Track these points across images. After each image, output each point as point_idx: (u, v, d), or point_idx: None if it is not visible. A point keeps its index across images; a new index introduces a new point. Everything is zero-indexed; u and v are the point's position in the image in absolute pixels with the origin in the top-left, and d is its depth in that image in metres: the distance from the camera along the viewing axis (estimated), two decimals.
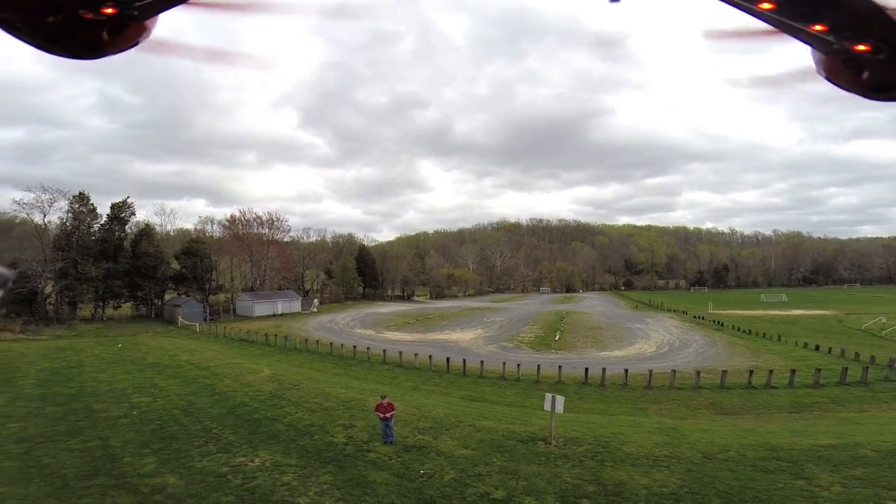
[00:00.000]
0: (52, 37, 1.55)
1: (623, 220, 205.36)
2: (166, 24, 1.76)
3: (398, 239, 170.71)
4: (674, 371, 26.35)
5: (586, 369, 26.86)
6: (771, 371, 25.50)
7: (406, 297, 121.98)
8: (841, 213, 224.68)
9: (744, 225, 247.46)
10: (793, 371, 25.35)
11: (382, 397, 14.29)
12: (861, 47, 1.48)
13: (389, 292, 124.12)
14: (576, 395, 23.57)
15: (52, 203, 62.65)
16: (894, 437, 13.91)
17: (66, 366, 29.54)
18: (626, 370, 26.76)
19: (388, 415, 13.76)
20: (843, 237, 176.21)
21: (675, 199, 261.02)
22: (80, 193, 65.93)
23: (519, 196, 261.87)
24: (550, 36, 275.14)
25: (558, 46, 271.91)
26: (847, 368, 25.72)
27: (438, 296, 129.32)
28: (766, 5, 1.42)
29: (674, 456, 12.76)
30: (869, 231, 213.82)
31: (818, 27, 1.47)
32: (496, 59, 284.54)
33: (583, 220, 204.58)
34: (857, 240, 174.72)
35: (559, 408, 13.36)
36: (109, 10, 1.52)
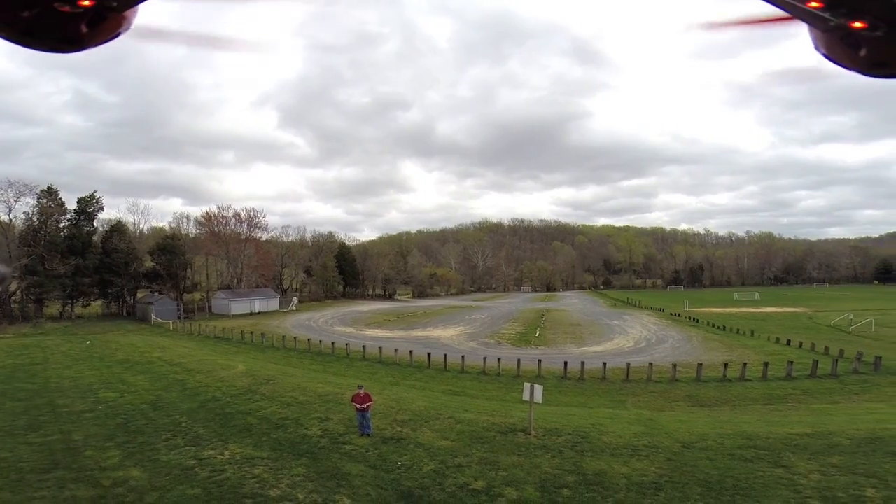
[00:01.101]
0: (29, 31, 1.50)
1: (602, 222, 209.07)
2: (148, 14, 1.68)
3: (380, 238, 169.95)
4: (651, 364, 26.67)
5: (565, 363, 26.97)
6: (745, 364, 26.01)
7: (388, 296, 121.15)
8: (810, 215, 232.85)
9: (718, 226, 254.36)
10: (766, 364, 25.90)
11: (359, 388, 13.96)
12: (857, 24, 1.46)
13: (371, 291, 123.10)
14: (555, 389, 23.60)
15: (18, 198, 60.13)
16: (866, 426, 14.21)
17: (30, 363, 28.26)
18: (605, 364, 26.95)
19: (364, 405, 13.43)
20: (813, 238, 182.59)
21: (651, 200, 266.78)
22: (49, 188, 63.39)
23: (501, 197, 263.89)
24: (531, 40, 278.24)
25: (538, 51, 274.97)
26: (817, 361, 26.42)
27: (421, 295, 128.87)
28: None
29: (653, 445, 12.77)
30: (836, 232, 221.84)
31: (814, 3, 1.44)
32: (478, 62, 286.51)
33: (563, 220, 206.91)
34: (826, 241, 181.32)
35: (538, 397, 13.24)
36: (87, 3, 1.47)
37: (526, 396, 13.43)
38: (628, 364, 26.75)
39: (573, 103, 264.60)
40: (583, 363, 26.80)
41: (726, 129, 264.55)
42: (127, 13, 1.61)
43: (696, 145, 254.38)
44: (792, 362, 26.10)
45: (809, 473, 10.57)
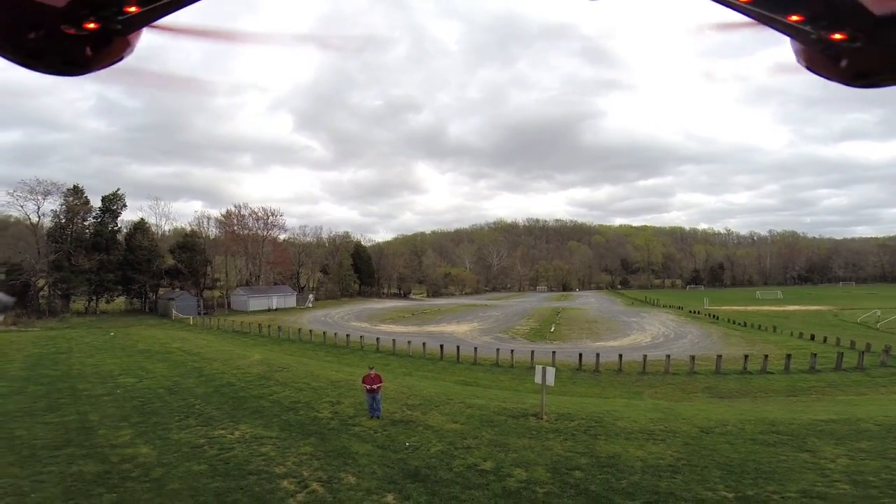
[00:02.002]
0: (35, 53, 1.51)
1: (618, 222, 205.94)
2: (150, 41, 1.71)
3: (395, 239, 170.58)
4: (668, 356, 26.08)
5: (580, 355, 26.58)
6: (766, 356, 25.28)
7: (402, 295, 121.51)
8: (833, 214, 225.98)
9: (738, 226, 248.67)
10: (788, 356, 25.14)
11: (370, 368, 13.91)
12: (837, 36, 1.49)
13: (386, 290, 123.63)
14: (570, 380, 23.27)
15: (46, 195, 62.09)
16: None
17: (55, 352, 29.03)
18: (621, 356, 26.48)
19: (375, 386, 13.36)
20: (838, 237, 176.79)
21: (668, 200, 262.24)
22: (75, 186, 65.48)
23: (514, 198, 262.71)
24: (540, 41, 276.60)
25: (547, 51, 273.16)
26: (842, 354, 25.53)
27: (435, 294, 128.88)
28: None
29: (669, 430, 12.41)
30: (862, 232, 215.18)
31: (795, 17, 1.48)
32: (487, 63, 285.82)
33: (579, 220, 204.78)
34: (852, 239, 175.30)
35: (550, 380, 12.99)
36: (92, 26, 1.48)
37: (538, 379, 13.19)
38: (645, 356, 26.22)
39: (585, 103, 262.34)
40: (598, 355, 26.38)
41: (743, 128, 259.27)
42: (131, 37, 1.63)
43: (712, 144, 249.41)
44: (816, 355, 25.29)
45: (837, 458, 10.10)
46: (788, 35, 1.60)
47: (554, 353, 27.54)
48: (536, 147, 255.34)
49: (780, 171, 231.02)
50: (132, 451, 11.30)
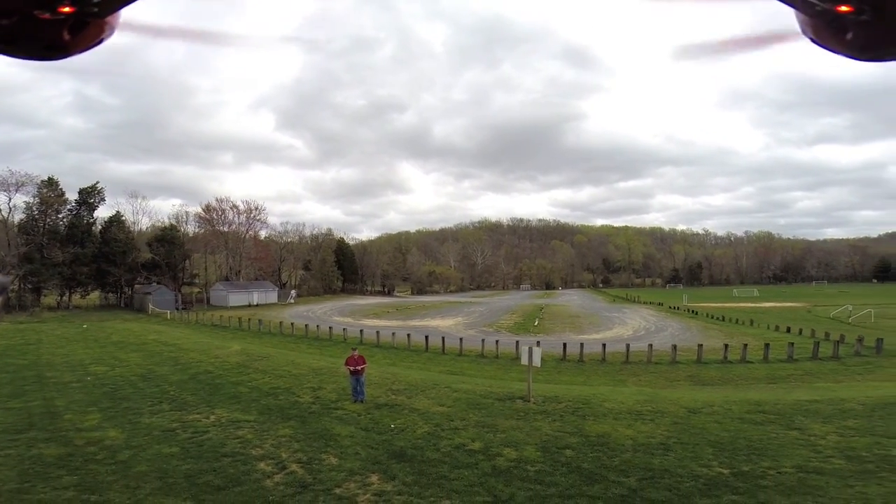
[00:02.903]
0: (9, 39, 1.49)
1: (599, 222, 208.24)
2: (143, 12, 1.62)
3: (379, 237, 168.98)
4: (650, 346, 26.26)
5: (564, 345, 26.55)
6: (745, 345, 25.62)
7: (386, 293, 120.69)
8: (807, 216, 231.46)
9: (715, 227, 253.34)
10: (767, 345, 25.53)
11: (353, 350, 13.51)
12: (843, 8, 1.45)
13: (369, 287, 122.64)
14: (554, 370, 23.19)
15: (18, 187, 59.71)
16: (878, 395, 13.79)
17: (23, 343, 27.84)
18: (604, 345, 26.54)
19: (358, 368, 12.96)
20: (812, 238, 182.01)
21: (648, 201, 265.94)
22: (49, 178, 63.28)
23: (498, 198, 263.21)
24: (523, 44, 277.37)
25: (531, 54, 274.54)
26: (819, 343, 26.06)
27: (420, 292, 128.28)
28: None
29: (657, 411, 12.32)
30: (834, 233, 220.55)
31: None
32: (472, 65, 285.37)
33: (562, 220, 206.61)
34: (825, 241, 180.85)
35: (536, 360, 12.80)
36: (67, 9, 1.44)
37: (524, 360, 12.98)
38: (628, 345, 26.35)
39: (567, 105, 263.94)
40: (582, 345, 26.41)
41: (720, 131, 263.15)
42: (109, 19, 1.58)
43: (690, 147, 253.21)
44: (793, 344, 25.75)
45: (826, 435, 10.09)
46: (792, 6, 1.56)
47: (538, 343, 27.37)
48: (520, 148, 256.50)
49: (756, 173, 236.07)
50: (99, 434, 10.71)
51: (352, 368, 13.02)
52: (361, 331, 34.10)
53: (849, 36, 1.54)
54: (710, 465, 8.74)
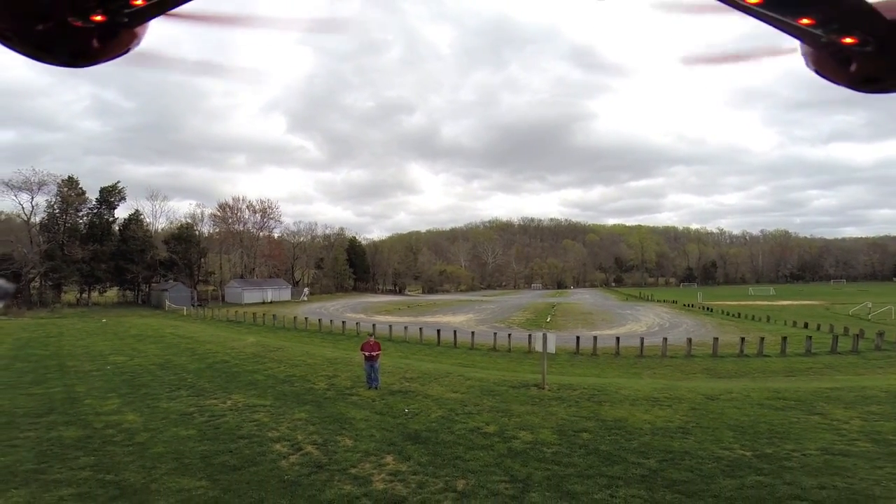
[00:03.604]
0: (43, 45, 1.52)
1: (611, 222, 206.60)
2: (156, 33, 1.70)
3: (390, 237, 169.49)
4: (665, 339, 25.98)
5: (577, 338, 26.39)
6: (762, 339, 25.21)
7: (398, 291, 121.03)
8: (823, 215, 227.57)
9: (729, 227, 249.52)
10: (784, 339, 25.10)
11: (369, 335, 13.57)
12: (848, 40, 1.47)
13: (381, 286, 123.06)
14: (567, 363, 23.06)
15: (40, 186, 61.14)
16: None
17: (45, 335, 28.46)
18: (618, 338, 26.33)
19: (374, 353, 13.01)
20: (829, 237, 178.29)
21: (660, 201, 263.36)
22: (70, 177, 64.89)
23: (508, 198, 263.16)
24: (530, 45, 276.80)
25: (538, 55, 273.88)
26: (837, 337, 25.57)
27: (430, 291, 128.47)
28: (753, 0, 1.41)
29: (674, 397, 12.15)
30: (852, 232, 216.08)
31: (805, 20, 1.46)
32: (480, 66, 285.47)
33: (573, 220, 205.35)
34: (843, 239, 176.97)
35: (551, 347, 12.71)
36: (99, 18, 1.49)
37: (538, 346, 12.91)
38: (642, 339, 26.13)
39: (576, 105, 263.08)
40: (595, 338, 26.25)
41: (732, 130, 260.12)
42: (137, 30, 1.62)
43: (702, 146, 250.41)
44: (811, 337, 25.29)
45: (850, 420, 9.86)
46: (797, 38, 1.57)
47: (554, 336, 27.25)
48: (529, 148, 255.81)
49: (770, 172, 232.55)
50: (118, 417, 10.87)
51: (367, 354, 13.07)
52: (374, 325, 34.27)
53: (852, 67, 1.55)
54: (731, 447, 8.59)
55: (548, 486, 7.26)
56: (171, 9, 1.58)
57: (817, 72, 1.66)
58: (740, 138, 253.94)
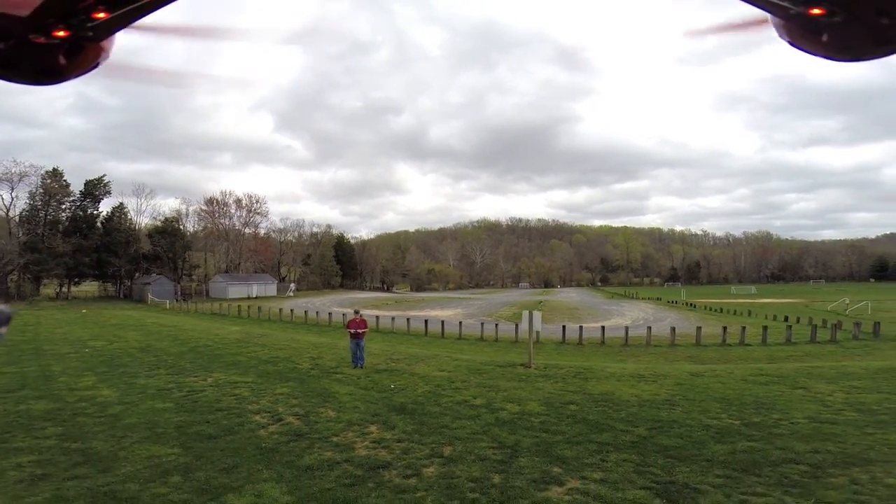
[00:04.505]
0: (6, 64, 1.49)
1: (597, 223, 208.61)
2: (132, 45, 1.67)
3: (378, 237, 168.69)
4: (649, 328, 26.23)
5: (563, 327, 26.51)
6: (744, 328, 25.61)
7: (386, 289, 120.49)
8: (802, 218, 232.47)
9: (712, 228, 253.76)
10: (765, 328, 25.52)
11: (355, 312, 13.38)
12: (815, 11, 1.48)
13: (369, 284, 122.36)
14: (554, 351, 23.11)
15: (21, 177, 59.40)
16: (878, 364, 13.72)
17: (22, 324, 27.52)
18: (603, 327, 26.51)
19: (360, 331, 12.84)
20: (809, 240, 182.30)
21: (644, 203, 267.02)
22: (54, 169, 63.13)
23: (495, 199, 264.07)
24: (517, 48, 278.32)
25: (525, 58, 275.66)
26: (816, 326, 26.10)
27: (418, 289, 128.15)
28: None
29: (659, 374, 12.23)
30: (830, 235, 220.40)
31: None
32: (468, 68, 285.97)
33: (560, 220, 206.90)
34: (822, 241, 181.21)
35: (537, 325, 12.69)
36: (61, 34, 1.45)
37: (524, 325, 12.88)
38: (626, 328, 26.34)
39: (561, 108, 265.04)
40: (581, 327, 26.37)
41: (714, 133, 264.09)
42: (104, 43, 1.58)
43: (685, 149, 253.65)
44: (791, 326, 25.78)
45: (833, 393, 10.00)
46: (768, 10, 1.58)
47: (538, 333, 27.35)
48: (516, 150, 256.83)
49: (751, 175, 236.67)
50: (92, 393, 10.52)
51: (353, 331, 12.89)
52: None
53: (824, 38, 1.56)
54: (718, 416, 8.63)
55: (536, 452, 7.18)
56: (136, 20, 1.52)
57: (791, 43, 1.67)
58: (722, 142, 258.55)
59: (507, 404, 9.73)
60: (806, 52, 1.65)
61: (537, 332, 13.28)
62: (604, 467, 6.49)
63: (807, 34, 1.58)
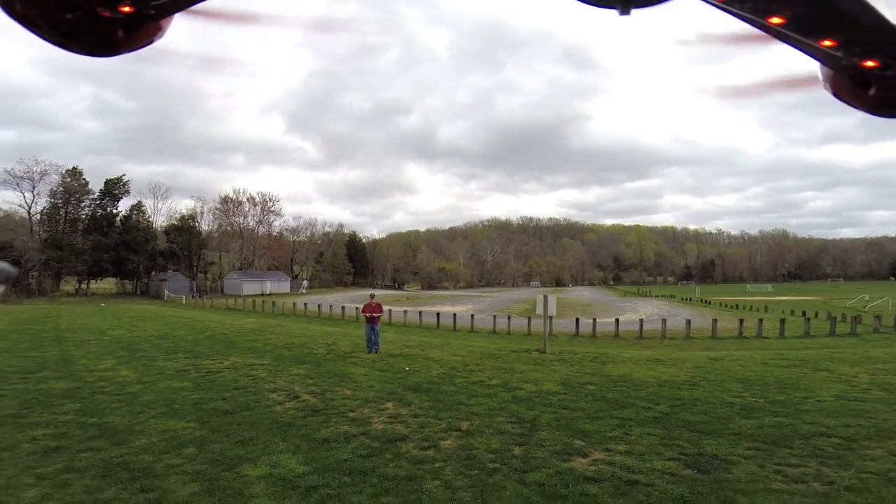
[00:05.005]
0: (70, 34, 1.56)
1: (608, 223, 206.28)
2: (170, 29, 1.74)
3: (389, 236, 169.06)
4: (664, 320, 25.85)
5: (577, 319, 26.25)
6: (761, 320, 25.12)
7: (397, 287, 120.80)
8: (819, 217, 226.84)
9: (726, 227, 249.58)
10: (782, 321, 25.01)
11: (371, 296, 13.38)
12: (869, 63, 1.46)
13: (380, 282, 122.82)
14: (567, 344, 22.81)
15: (42, 175, 60.63)
16: None
17: (43, 316, 28.22)
18: (618, 319, 26.23)
19: (375, 315, 12.83)
20: (828, 238, 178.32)
21: (656, 202, 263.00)
22: (74, 168, 64.45)
23: (505, 199, 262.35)
24: (524, 48, 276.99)
25: (532, 58, 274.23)
26: (836, 319, 25.53)
27: (429, 287, 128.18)
28: (775, 20, 1.40)
29: (677, 359, 12.03)
30: (848, 233, 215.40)
31: (827, 42, 1.45)
32: (475, 69, 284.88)
33: (572, 219, 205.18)
34: (841, 240, 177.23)
35: (552, 309, 12.55)
36: (127, 9, 1.52)
37: (539, 310, 12.74)
38: (641, 320, 25.98)
39: (570, 107, 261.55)
40: (594, 320, 26.11)
41: (726, 131, 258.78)
42: (163, 22, 1.64)
43: (697, 147, 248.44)
44: (809, 319, 25.23)
45: (857, 375, 9.73)
46: (817, 59, 1.56)
47: (551, 318, 27.14)
48: (525, 149, 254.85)
49: (765, 173, 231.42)
50: (111, 374, 10.64)
51: (368, 315, 12.88)
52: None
53: (871, 91, 1.54)
54: (741, 395, 8.44)
55: (556, 427, 7.08)
56: (193, 4, 1.60)
57: (835, 94, 1.65)
58: (735, 140, 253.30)
59: (524, 384, 9.63)
60: (850, 104, 1.64)
61: (551, 318, 13.11)
62: (627, 440, 6.37)
63: (853, 85, 1.56)
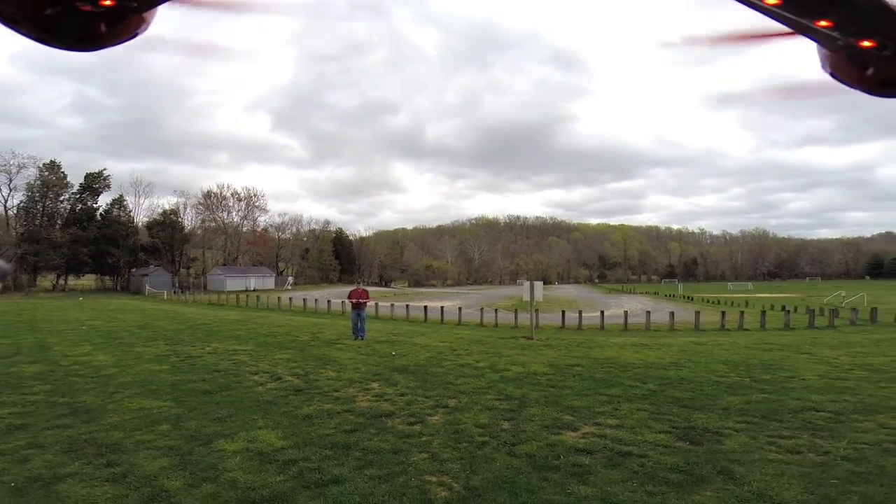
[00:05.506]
0: (50, 29, 1.52)
1: (593, 222, 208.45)
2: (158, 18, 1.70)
3: (376, 234, 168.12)
4: (648, 312, 26.11)
5: (563, 312, 26.33)
6: (742, 313, 25.53)
7: (384, 285, 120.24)
8: (798, 217, 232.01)
9: (708, 227, 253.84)
10: (763, 312, 25.47)
11: (357, 282, 13.19)
12: (866, 43, 1.46)
13: (367, 279, 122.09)
14: (554, 336, 22.94)
15: (20, 168, 58.73)
16: (879, 336, 13.62)
17: (19, 309, 27.31)
18: (602, 311, 26.39)
19: (362, 301, 12.65)
20: (806, 238, 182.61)
21: (640, 202, 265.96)
22: (52, 161, 62.39)
23: (492, 198, 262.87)
24: (513, 49, 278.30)
25: (520, 58, 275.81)
26: (814, 311, 26.08)
27: (416, 285, 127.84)
28: (771, 0, 1.37)
29: (662, 344, 12.11)
30: (825, 234, 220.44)
31: (824, 23, 1.44)
32: (464, 69, 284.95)
33: (558, 218, 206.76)
34: (819, 239, 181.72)
35: (539, 295, 12.52)
36: (108, 2, 1.48)
37: (526, 296, 12.70)
38: (626, 312, 26.19)
39: (557, 107, 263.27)
40: (580, 312, 26.23)
41: (709, 133, 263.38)
42: (146, 14, 1.61)
43: (680, 148, 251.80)
44: (789, 312, 25.74)
45: (838, 357, 9.89)
46: (814, 40, 1.57)
47: (537, 311, 27.20)
48: (512, 149, 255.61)
49: (746, 174, 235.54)
50: (87, 358, 10.30)
51: (354, 301, 12.71)
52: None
53: (869, 71, 1.55)
54: (727, 375, 8.50)
55: (545, 403, 7.02)
56: None
57: (832, 74, 1.66)
58: (717, 141, 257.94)
59: (512, 366, 9.58)
60: (846, 84, 1.64)
61: (537, 310, 13.08)
62: (617, 415, 6.34)
63: (852, 66, 1.56)
